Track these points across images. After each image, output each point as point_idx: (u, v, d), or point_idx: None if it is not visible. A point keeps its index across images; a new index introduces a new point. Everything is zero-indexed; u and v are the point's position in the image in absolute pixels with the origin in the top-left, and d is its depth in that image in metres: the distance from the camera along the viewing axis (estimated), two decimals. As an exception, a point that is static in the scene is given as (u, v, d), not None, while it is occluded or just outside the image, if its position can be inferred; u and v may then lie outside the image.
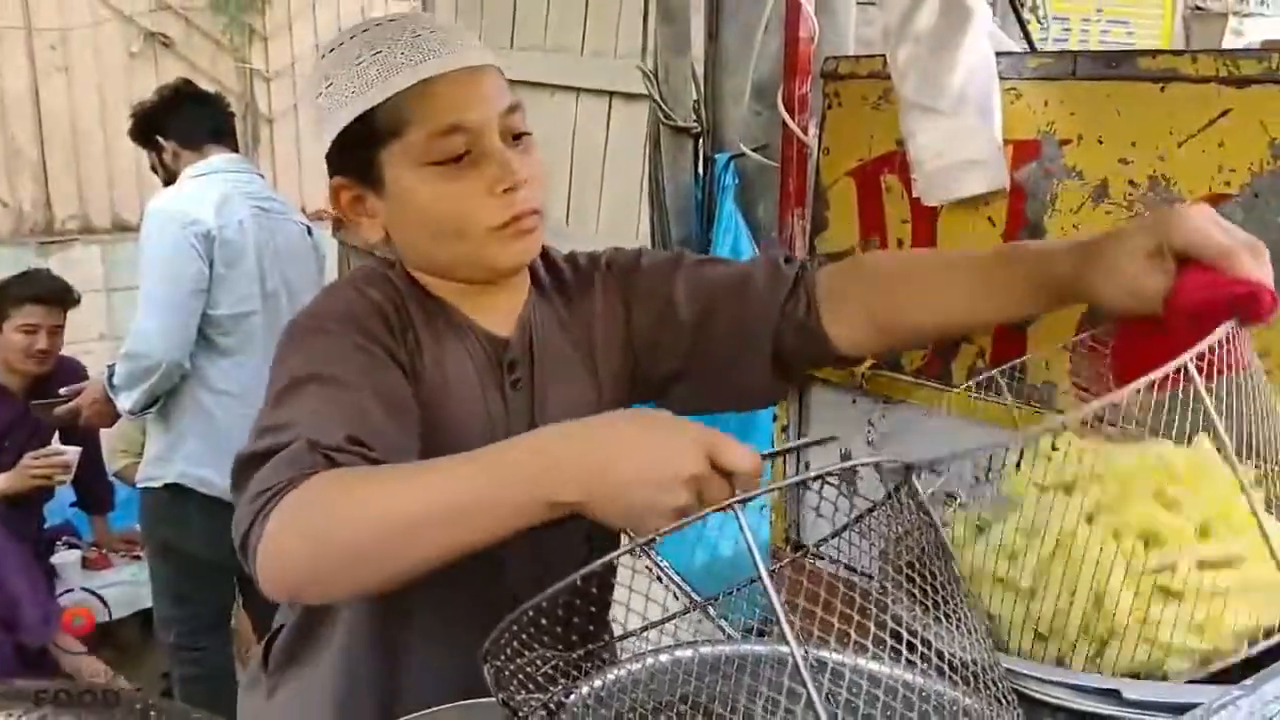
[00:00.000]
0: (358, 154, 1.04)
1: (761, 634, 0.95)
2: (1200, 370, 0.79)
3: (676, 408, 1.28)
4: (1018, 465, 0.93)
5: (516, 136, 1.05)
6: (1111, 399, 0.79)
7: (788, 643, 0.66)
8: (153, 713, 0.66)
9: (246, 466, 0.89)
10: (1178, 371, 0.79)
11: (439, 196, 1.02)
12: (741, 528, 0.71)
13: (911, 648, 0.71)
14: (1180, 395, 0.82)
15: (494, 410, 1.09)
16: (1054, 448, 0.91)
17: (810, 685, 0.64)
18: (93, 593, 3.41)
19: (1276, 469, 0.86)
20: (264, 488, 0.85)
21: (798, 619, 0.70)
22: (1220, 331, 0.81)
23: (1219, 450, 0.84)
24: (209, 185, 2.57)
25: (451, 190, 1.02)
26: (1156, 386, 0.78)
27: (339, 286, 1.10)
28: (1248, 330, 0.85)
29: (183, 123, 2.64)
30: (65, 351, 3.35)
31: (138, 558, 3.49)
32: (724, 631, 1.11)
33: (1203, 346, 0.79)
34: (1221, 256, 0.86)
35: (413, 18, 1.07)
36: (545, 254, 1.19)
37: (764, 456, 0.81)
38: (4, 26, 4.91)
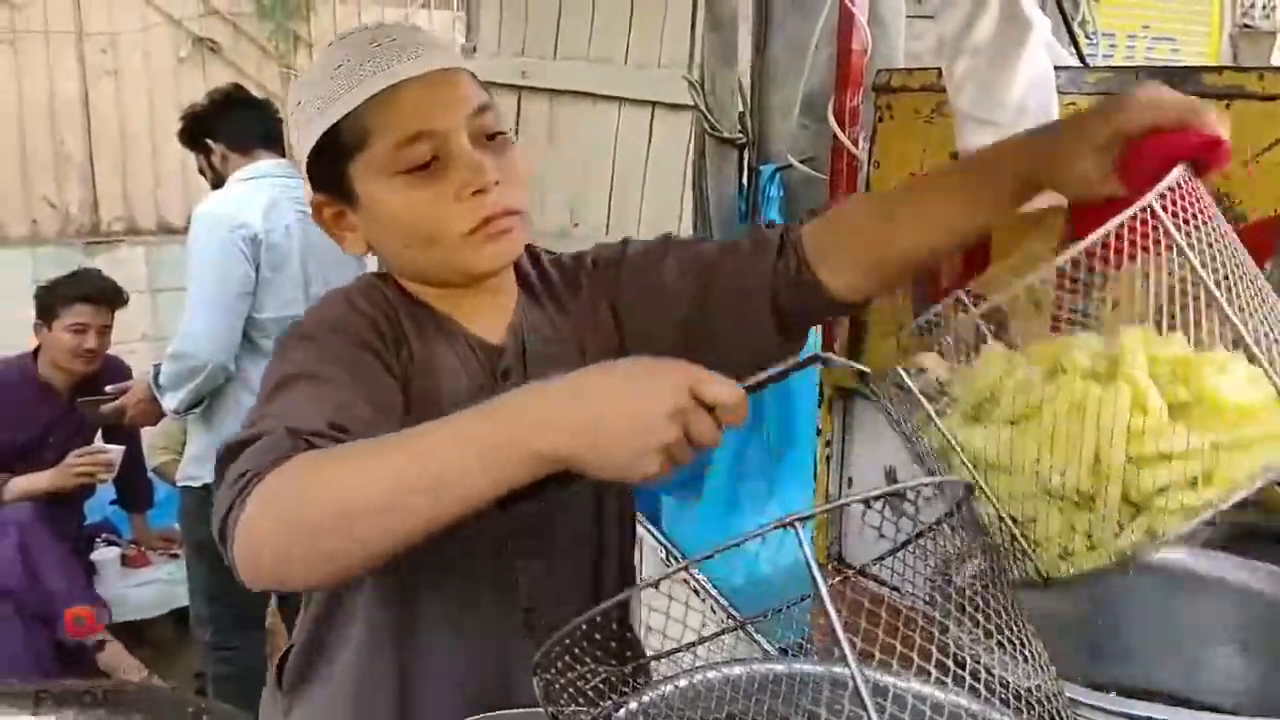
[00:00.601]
0: (329, 170, 1.04)
1: (793, 653, 0.93)
2: (1166, 210, 0.76)
3: None
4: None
5: (491, 137, 1.04)
6: (1083, 245, 0.75)
7: (847, 664, 0.65)
8: (205, 715, 0.65)
9: (227, 456, 0.88)
10: (1145, 213, 0.75)
11: (408, 205, 1.01)
12: (801, 544, 0.69)
13: (974, 674, 0.69)
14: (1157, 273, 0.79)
15: None
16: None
17: (872, 710, 0.63)
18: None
19: (1254, 317, 0.82)
20: (241, 473, 0.84)
21: (858, 640, 0.68)
22: (1176, 173, 0.78)
23: (1201, 290, 0.79)
24: (256, 189, 2.59)
25: (420, 198, 1.01)
26: (1127, 239, 0.75)
27: (331, 299, 1.09)
28: (1201, 183, 0.82)
29: (233, 126, 2.67)
30: (109, 351, 3.39)
31: (175, 556, 3.52)
32: (763, 650, 1.09)
33: (1163, 186, 0.76)
34: (1187, 111, 0.84)
35: (377, 28, 1.06)
36: (536, 258, 1.18)
37: (746, 389, 0.81)
38: (56, 30, 5.00)
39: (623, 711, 0.79)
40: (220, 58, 5.33)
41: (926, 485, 0.76)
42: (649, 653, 0.97)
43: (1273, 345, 0.78)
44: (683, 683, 0.86)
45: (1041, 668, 0.72)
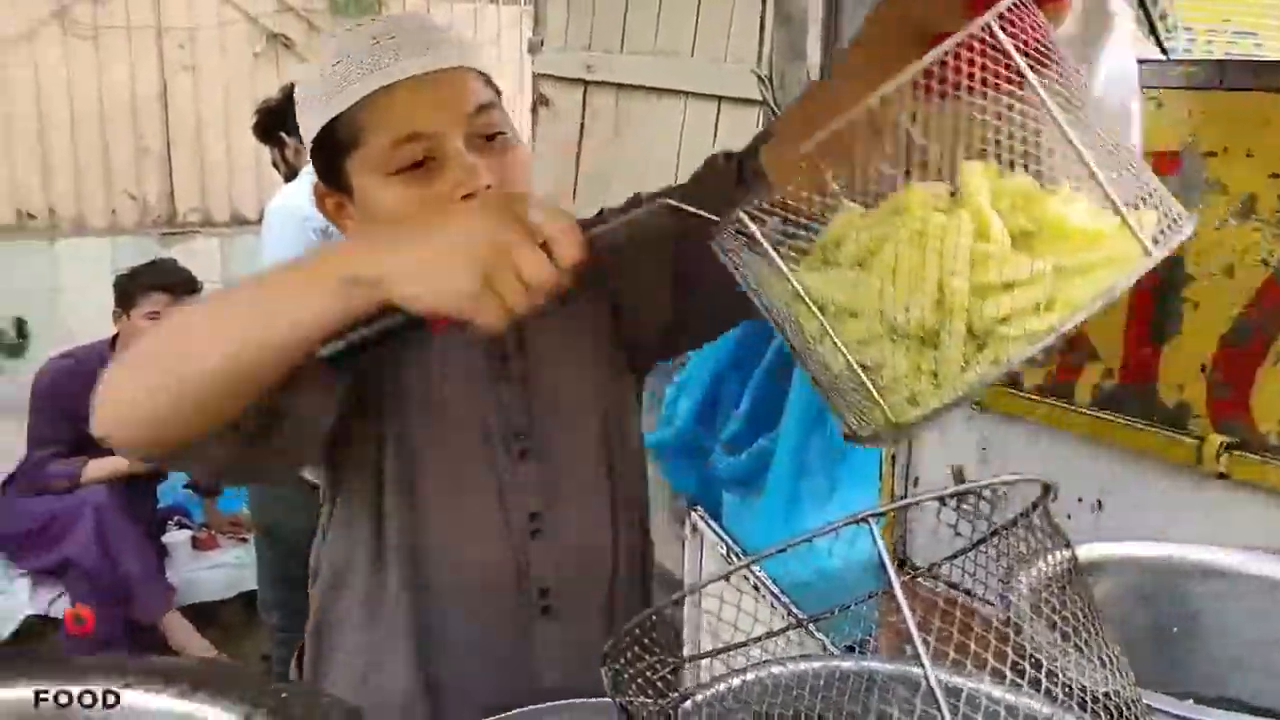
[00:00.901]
0: (328, 162, 1.05)
1: (858, 651, 0.92)
2: (1005, 31, 0.72)
3: (697, 337, 1.27)
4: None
5: (491, 137, 1.03)
6: (920, 65, 0.70)
7: (920, 663, 0.64)
8: (284, 694, 0.67)
9: None
10: (984, 31, 0.71)
11: (401, 204, 1.01)
12: (875, 541, 0.69)
13: (1049, 676, 0.68)
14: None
15: (487, 402, 1.09)
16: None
17: (946, 710, 0.62)
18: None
19: (1096, 138, 0.76)
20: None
21: (933, 640, 0.67)
22: None
23: (1045, 117, 0.73)
24: (327, 182, 2.64)
25: (413, 197, 1.00)
26: (966, 64, 0.70)
27: None
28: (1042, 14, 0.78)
29: (306, 121, 2.73)
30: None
31: (244, 540, 3.60)
32: (825, 647, 1.09)
33: (1001, 7, 0.72)
34: None
35: (383, 24, 1.06)
36: None
37: (589, 234, 0.81)
38: (136, 25, 5.14)
39: (690, 703, 0.80)
40: (294, 54, 5.44)
41: (1001, 484, 0.75)
42: (709, 647, 0.97)
43: (1113, 169, 0.75)
44: (750, 676, 0.86)
45: (1119, 673, 0.71)
